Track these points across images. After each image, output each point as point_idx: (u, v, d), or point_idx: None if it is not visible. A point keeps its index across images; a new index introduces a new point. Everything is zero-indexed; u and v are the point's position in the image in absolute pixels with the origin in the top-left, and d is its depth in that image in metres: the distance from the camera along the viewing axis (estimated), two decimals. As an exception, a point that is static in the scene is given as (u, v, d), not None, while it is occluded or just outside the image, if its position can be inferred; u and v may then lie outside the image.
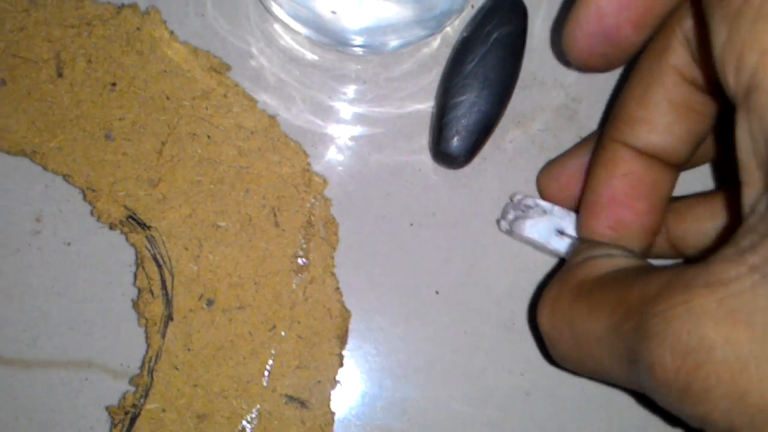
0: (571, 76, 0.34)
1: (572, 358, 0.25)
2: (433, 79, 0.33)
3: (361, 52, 0.33)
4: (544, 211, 0.31)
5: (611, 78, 0.34)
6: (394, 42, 0.31)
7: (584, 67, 0.28)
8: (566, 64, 0.34)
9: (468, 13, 0.33)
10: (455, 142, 0.31)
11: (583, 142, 0.32)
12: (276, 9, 0.31)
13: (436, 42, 0.33)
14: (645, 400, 0.32)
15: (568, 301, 0.25)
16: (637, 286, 0.22)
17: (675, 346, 0.20)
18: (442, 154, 0.32)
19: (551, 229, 0.31)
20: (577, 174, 0.30)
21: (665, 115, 0.26)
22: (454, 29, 0.33)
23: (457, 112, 0.31)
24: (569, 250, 0.30)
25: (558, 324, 0.25)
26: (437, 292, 0.32)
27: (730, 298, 0.19)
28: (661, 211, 0.28)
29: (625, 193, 0.28)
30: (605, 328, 0.23)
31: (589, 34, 0.26)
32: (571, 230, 0.31)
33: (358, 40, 0.31)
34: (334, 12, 0.29)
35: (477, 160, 0.33)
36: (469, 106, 0.31)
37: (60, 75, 0.32)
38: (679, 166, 0.28)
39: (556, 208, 0.31)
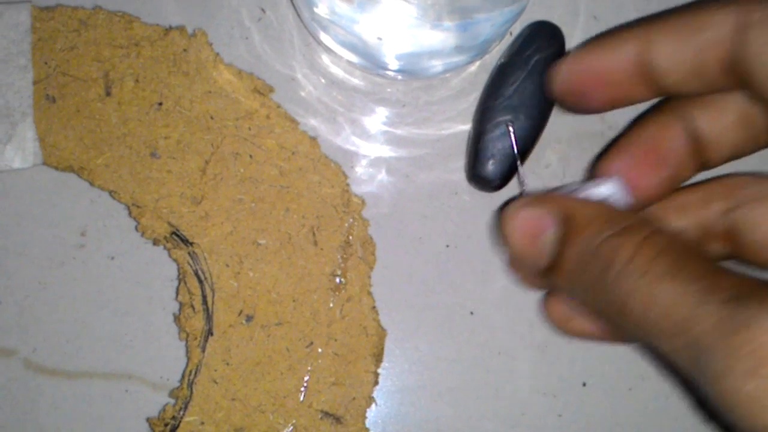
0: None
1: (631, 310, 0.23)
2: (471, 103, 0.34)
3: (402, 77, 0.33)
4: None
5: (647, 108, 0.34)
6: (435, 68, 0.32)
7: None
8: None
9: (506, 40, 0.34)
10: (490, 166, 0.32)
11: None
12: (322, 36, 0.32)
13: (474, 67, 0.34)
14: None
15: (654, 252, 0.23)
16: (733, 274, 0.22)
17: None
18: (477, 177, 0.32)
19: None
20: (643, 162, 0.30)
21: (734, 113, 0.28)
22: (492, 55, 0.34)
23: (493, 136, 0.32)
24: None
25: (634, 271, 0.23)
26: (472, 313, 0.33)
27: None
28: (662, 191, 0.29)
29: (657, 156, 0.29)
30: (685, 290, 0.22)
31: (566, 85, 0.29)
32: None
33: (401, 65, 0.32)
34: (379, 38, 0.29)
35: (513, 184, 0.33)
36: (505, 131, 0.32)
37: (108, 94, 0.33)
38: (704, 164, 0.29)
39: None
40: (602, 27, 0.35)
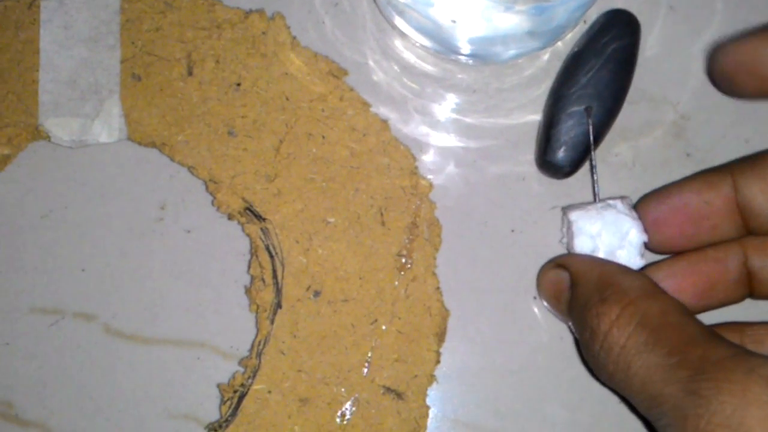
0: (682, 93, 0.34)
1: (617, 378, 0.26)
2: (542, 91, 0.34)
3: (473, 62, 0.34)
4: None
5: (723, 98, 0.34)
6: (507, 53, 0.32)
7: (726, 88, 0.29)
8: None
9: (580, 28, 0.34)
10: (561, 153, 0.32)
11: (695, 176, 0.32)
12: (397, 20, 0.33)
13: (546, 55, 0.34)
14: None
15: (630, 326, 0.25)
16: (703, 343, 0.23)
17: (715, 415, 0.21)
18: (548, 164, 0.33)
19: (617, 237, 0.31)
20: (675, 214, 0.31)
21: None
22: (564, 44, 0.34)
23: (565, 123, 0.32)
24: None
25: (613, 345, 0.26)
26: (535, 298, 0.33)
27: None
28: (694, 244, 0.30)
29: (689, 212, 0.30)
30: (658, 364, 0.24)
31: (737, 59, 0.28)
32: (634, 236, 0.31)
33: (473, 49, 0.32)
34: (453, 21, 0.30)
35: (581, 171, 0.33)
36: (578, 117, 0.32)
37: (190, 73, 0.34)
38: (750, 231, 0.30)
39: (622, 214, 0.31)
40: (679, 17, 0.35)
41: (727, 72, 0.28)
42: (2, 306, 0.34)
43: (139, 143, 0.34)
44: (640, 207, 0.31)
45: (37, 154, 0.35)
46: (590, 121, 0.31)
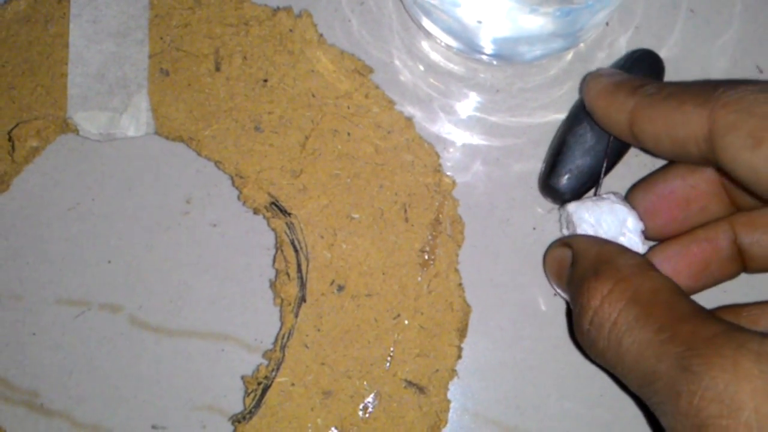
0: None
1: (608, 355, 0.26)
2: (564, 92, 0.35)
3: (497, 62, 0.34)
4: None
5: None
6: (531, 53, 0.33)
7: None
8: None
9: (603, 31, 0.34)
10: (565, 180, 0.32)
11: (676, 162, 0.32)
12: (423, 19, 0.33)
13: (569, 56, 0.35)
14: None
15: (621, 302, 0.26)
16: (693, 320, 0.24)
17: (708, 390, 0.22)
18: (549, 188, 0.33)
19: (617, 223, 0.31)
20: (663, 201, 0.31)
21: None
22: (587, 45, 0.35)
23: (575, 151, 0.32)
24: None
25: (604, 321, 0.26)
26: (555, 295, 0.34)
27: None
28: (687, 228, 0.31)
29: (676, 198, 0.31)
30: (649, 340, 0.24)
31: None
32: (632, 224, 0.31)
33: (497, 49, 0.33)
34: (479, 22, 0.30)
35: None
36: (587, 148, 0.32)
37: (218, 69, 0.35)
38: (738, 208, 0.31)
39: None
40: (699, 20, 0.35)
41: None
42: (29, 297, 0.35)
43: (167, 137, 0.35)
44: (629, 199, 0.32)
45: (65, 146, 0.36)
46: (608, 150, 0.32)
